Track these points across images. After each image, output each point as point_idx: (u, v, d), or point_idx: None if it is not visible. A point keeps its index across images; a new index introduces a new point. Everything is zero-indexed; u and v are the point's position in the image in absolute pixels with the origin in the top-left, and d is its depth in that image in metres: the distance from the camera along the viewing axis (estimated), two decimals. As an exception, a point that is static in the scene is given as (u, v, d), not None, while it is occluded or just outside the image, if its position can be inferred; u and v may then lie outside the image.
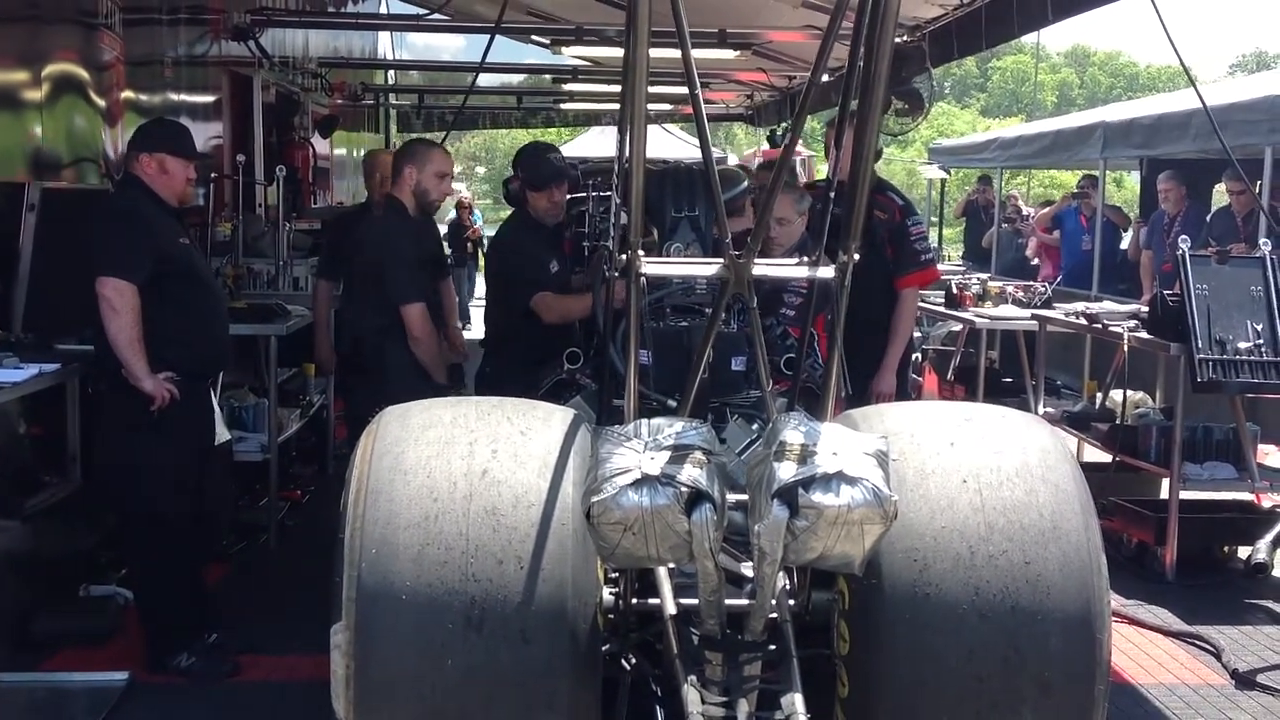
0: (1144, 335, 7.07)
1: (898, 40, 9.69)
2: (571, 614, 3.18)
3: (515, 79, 19.66)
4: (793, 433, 2.97)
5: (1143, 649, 5.78)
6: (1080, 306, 8.52)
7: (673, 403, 4.38)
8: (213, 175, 8.11)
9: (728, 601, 3.15)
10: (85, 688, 4.99)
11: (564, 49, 10.44)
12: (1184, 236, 7.00)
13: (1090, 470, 8.00)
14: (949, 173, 17.04)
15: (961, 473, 3.32)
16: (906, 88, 9.86)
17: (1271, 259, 6.65)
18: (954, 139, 22.92)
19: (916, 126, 10.23)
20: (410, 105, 17.63)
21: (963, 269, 14.32)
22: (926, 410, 3.74)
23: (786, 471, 2.90)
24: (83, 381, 5.45)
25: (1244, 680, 5.36)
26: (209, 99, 9.34)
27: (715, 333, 4.39)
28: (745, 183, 5.16)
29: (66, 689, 5.01)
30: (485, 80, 17.38)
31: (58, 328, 5.68)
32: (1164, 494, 7.03)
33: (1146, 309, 7.29)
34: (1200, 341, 6.47)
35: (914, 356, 7.62)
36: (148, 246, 4.94)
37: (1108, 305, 8.40)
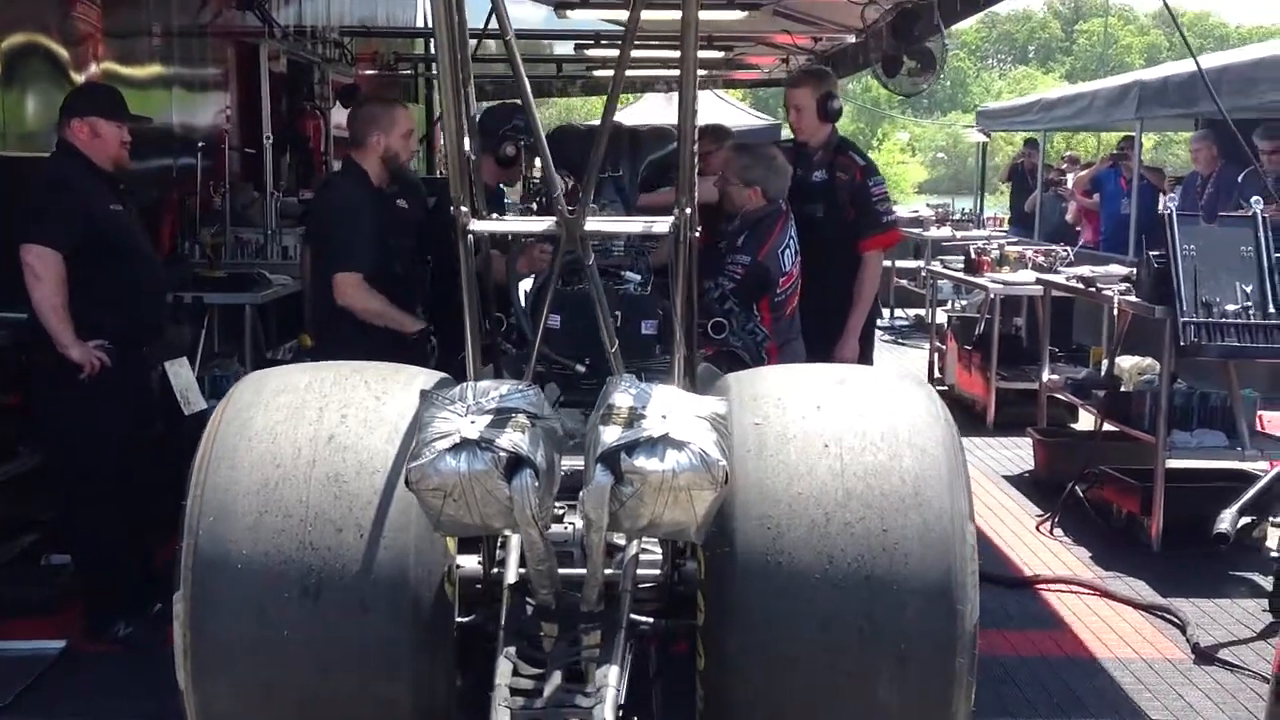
0: (1132, 299, 6.84)
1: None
2: (414, 583, 3.11)
3: (560, 47, 19.50)
4: (622, 395, 2.87)
5: (1108, 622, 5.60)
6: (1085, 270, 8.28)
7: (581, 368, 4.30)
8: (200, 145, 8.11)
9: (561, 571, 3.06)
10: (18, 655, 5.01)
11: (569, 13, 10.31)
12: (1171, 196, 6.78)
13: (1081, 438, 7.88)
14: (989, 136, 16.69)
15: (824, 437, 3.19)
16: (919, 46, 9.66)
17: (1262, 218, 6.40)
18: (999, 102, 22.50)
19: (929, 86, 10.01)
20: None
21: (985, 234, 14.00)
22: (800, 373, 3.60)
23: (611, 435, 2.80)
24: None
25: (1204, 655, 5.17)
26: (210, 70, 9.34)
27: (624, 295, 4.38)
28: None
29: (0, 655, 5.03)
30: (522, 48, 17.25)
31: (12, 295, 5.67)
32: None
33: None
34: (1185, 304, 6.24)
35: (878, 321, 7.42)
36: (74, 214, 4.92)
37: (1113, 269, 8.14)
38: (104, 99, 5.23)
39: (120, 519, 5.19)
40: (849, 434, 3.19)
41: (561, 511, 3.44)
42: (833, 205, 5.98)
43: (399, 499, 3.11)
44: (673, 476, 2.76)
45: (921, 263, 14.69)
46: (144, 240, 5.34)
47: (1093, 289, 7.42)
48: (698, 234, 3.27)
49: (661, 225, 3.17)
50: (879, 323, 12.85)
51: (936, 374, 11.10)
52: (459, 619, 3.32)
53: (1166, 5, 6.12)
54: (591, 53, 15.24)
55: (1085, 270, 8.27)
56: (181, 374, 6.06)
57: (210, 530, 3.10)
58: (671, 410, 2.83)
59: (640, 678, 3.46)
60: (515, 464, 2.79)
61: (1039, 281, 8.65)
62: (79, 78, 6.93)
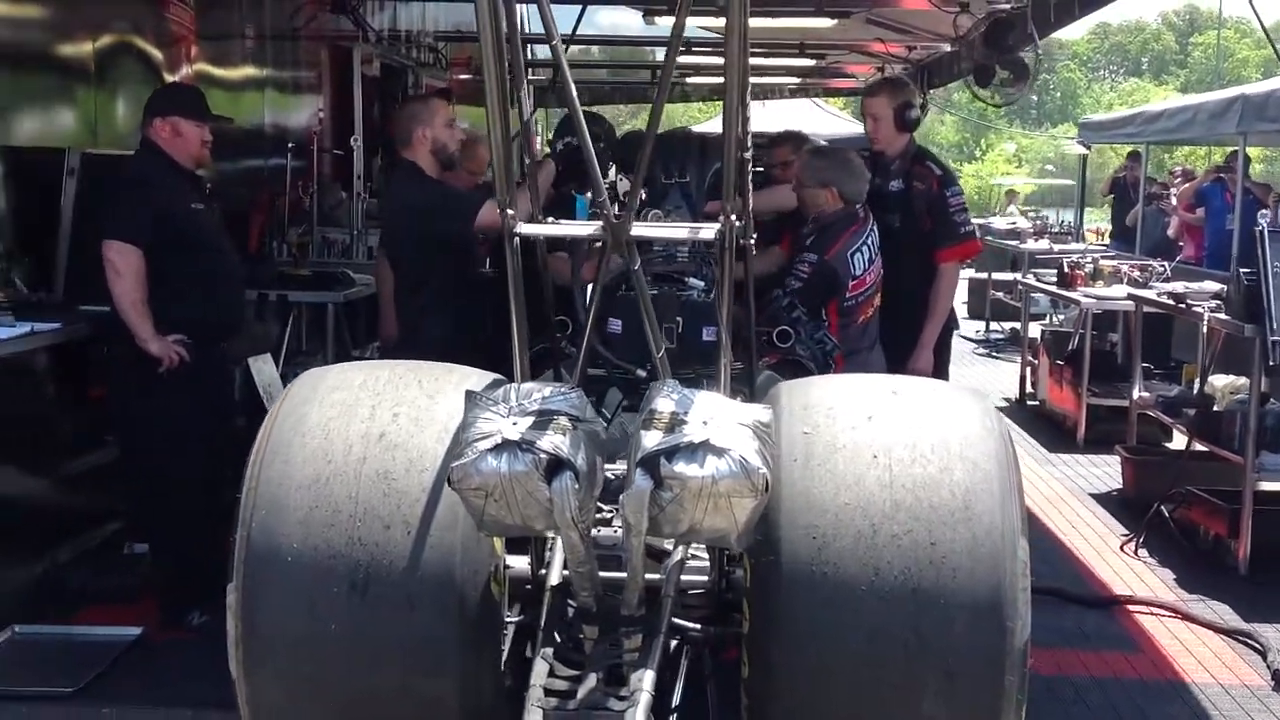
0: (1222, 316, 6.67)
1: (1005, 7, 9.35)
2: (461, 581, 3.12)
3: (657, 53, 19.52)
4: (664, 400, 2.85)
5: (1187, 645, 5.47)
6: (1178, 286, 8.10)
7: (642, 372, 4.29)
8: (290, 145, 8.24)
9: (602, 574, 3.05)
10: (96, 640, 5.12)
11: (657, 19, 10.31)
12: (1263, 213, 6.60)
13: (1171, 457, 7.70)
14: (1089, 148, 16.40)
15: (873, 448, 3.14)
16: (1011, 57, 9.52)
17: (1358, 235, 6.20)
18: (1103, 114, 22.08)
19: (1021, 96, 9.87)
20: (545, 80, 17.64)
21: (1082, 248, 13.75)
22: (853, 383, 3.56)
23: (651, 440, 2.79)
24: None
25: (1284, 682, 5.04)
26: (304, 73, 9.48)
27: (685, 301, 4.37)
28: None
29: (79, 641, 5.14)
30: (618, 54, 17.36)
31: (99, 290, 5.80)
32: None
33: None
34: (1275, 323, 6.07)
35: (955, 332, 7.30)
36: (154, 211, 5.03)
37: (1206, 285, 7.95)
38: (186, 99, 5.34)
39: (197, 512, 5.27)
40: (899, 445, 3.14)
41: (609, 515, 3.44)
42: (909, 215, 5.91)
43: (447, 497, 3.11)
44: (712, 483, 2.74)
45: (1018, 275, 14.49)
46: (224, 238, 5.43)
47: (1183, 305, 7.25)
48: (753, 241, 3.26)
49: (708, 232, 3.15)
50: (965, 334, 12.75)
51: (1028, 389, 10.94)
52: (508, 619, 3.34)
53: (1258, 17, 6.02)
54: (681, 59, 15.21)
55: (1179, 286, 8.08)
56: (265, 370, 6.17)
57: (262, 523, 3.14)
58: (714, 416, 2.81)
59: (693, 681, 3.45)
60: (556, 466, 2.79)
61: (1130, 297, 8.47)
62: (171, 79, 7.07)
